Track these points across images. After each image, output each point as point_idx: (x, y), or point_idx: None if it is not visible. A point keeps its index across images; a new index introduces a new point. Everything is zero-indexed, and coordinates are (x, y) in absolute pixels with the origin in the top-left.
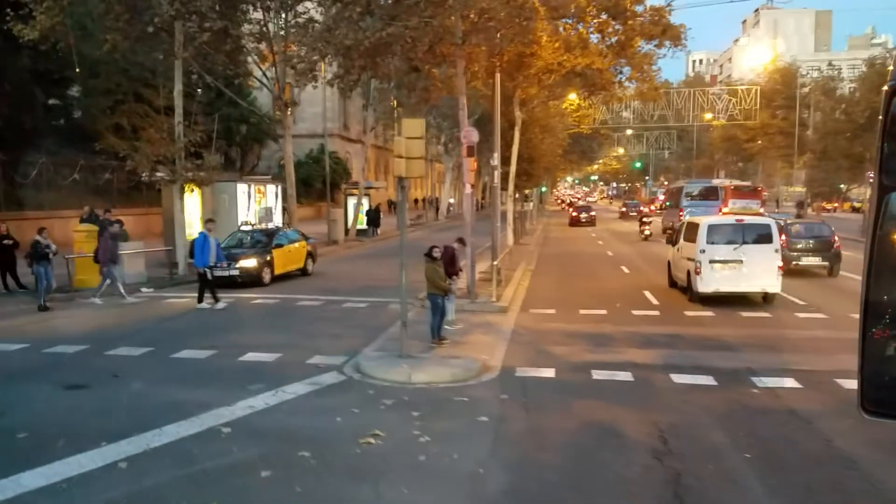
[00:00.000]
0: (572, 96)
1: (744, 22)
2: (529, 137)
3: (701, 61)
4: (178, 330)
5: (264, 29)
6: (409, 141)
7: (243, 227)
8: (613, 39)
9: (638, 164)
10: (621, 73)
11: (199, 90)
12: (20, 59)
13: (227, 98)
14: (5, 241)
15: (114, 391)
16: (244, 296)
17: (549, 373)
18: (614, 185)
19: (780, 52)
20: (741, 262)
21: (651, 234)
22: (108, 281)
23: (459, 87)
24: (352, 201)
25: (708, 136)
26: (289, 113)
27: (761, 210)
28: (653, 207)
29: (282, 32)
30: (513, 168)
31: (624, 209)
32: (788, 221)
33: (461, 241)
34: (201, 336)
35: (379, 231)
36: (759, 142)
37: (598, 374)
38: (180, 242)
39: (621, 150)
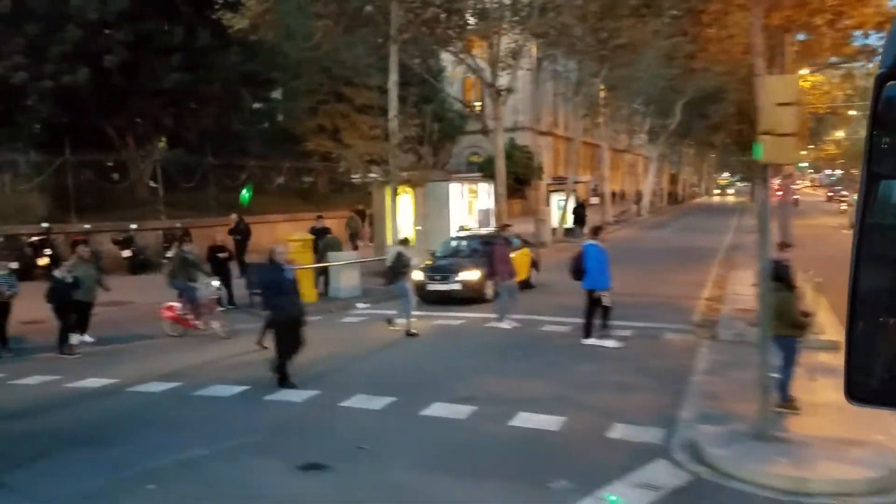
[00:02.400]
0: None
1: None
2: None
3: None
4: (417, 368)
5: (484, 6)
6: (779, 109)
7: (460, 233)
8: None
9: None
10: None
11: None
12: (229, 58)
13: (422, 95)
14: (220, 255)
15: (363, 478)
16: (470, 315)
17: None
18: (827, 172)
19: None
20: None
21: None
22: (505, 299)
23: (756, 45)
24: (554, 198)
25: None
26: (501, 101)
27: None
28: None
29: (500, 13)
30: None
31: (831, 194)
32: None
33: (785, 245)
34: (449, 378)
35: (585, 230)
36: None
37: None
38: (392, 250)
39: (841, 134)
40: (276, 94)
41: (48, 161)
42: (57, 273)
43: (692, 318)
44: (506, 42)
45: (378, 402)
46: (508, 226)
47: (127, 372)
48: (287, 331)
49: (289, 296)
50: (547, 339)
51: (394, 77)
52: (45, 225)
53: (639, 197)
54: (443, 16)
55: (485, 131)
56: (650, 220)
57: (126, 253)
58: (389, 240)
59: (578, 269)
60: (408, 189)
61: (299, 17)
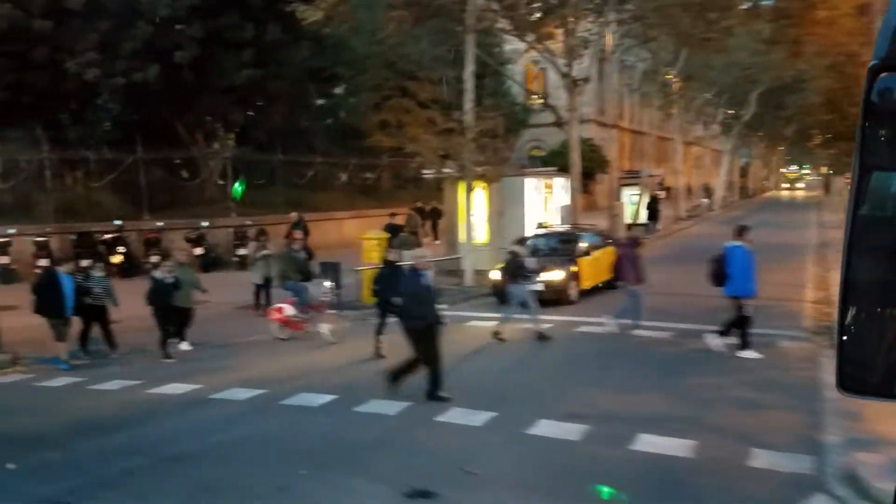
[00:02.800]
0: None
1: None
2: None
3: None
4: (513, 378)
5: None
6: None
7: (538, 230)
8: None
9: None
10: None
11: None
12: (299, 53)
13: (487, 90)
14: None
15: None
16: (557, 318)
17: None
18: None
19: None
20: None
21: None
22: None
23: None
24: (626, 192)
25: None
26: (577, 92)
27: None
28: None
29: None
30: None
31: None
32: None
33: None
34: (550, 390)
35: (659, 226)
36: None
37: None
38: (466, 248)
39: None
40: (338, 89)
41: (119, 159)
42: (157, 274)
43: (803, 324)
44: (581, 30)
45: (477, 418)
46: (635, 224)
47: (210, 377)
48: (424, 339)
49: (429, 304)
50: (648, 347)
51: (470, 68)
52: (117, 222)
53: (709, 191)
54: (523, 1)
55: (558, 123)
56: (723, 216)
57: (198, 250)
58: (462, 237)
59: (720, 274)
60: (482, 184)
61: (370, 8)
